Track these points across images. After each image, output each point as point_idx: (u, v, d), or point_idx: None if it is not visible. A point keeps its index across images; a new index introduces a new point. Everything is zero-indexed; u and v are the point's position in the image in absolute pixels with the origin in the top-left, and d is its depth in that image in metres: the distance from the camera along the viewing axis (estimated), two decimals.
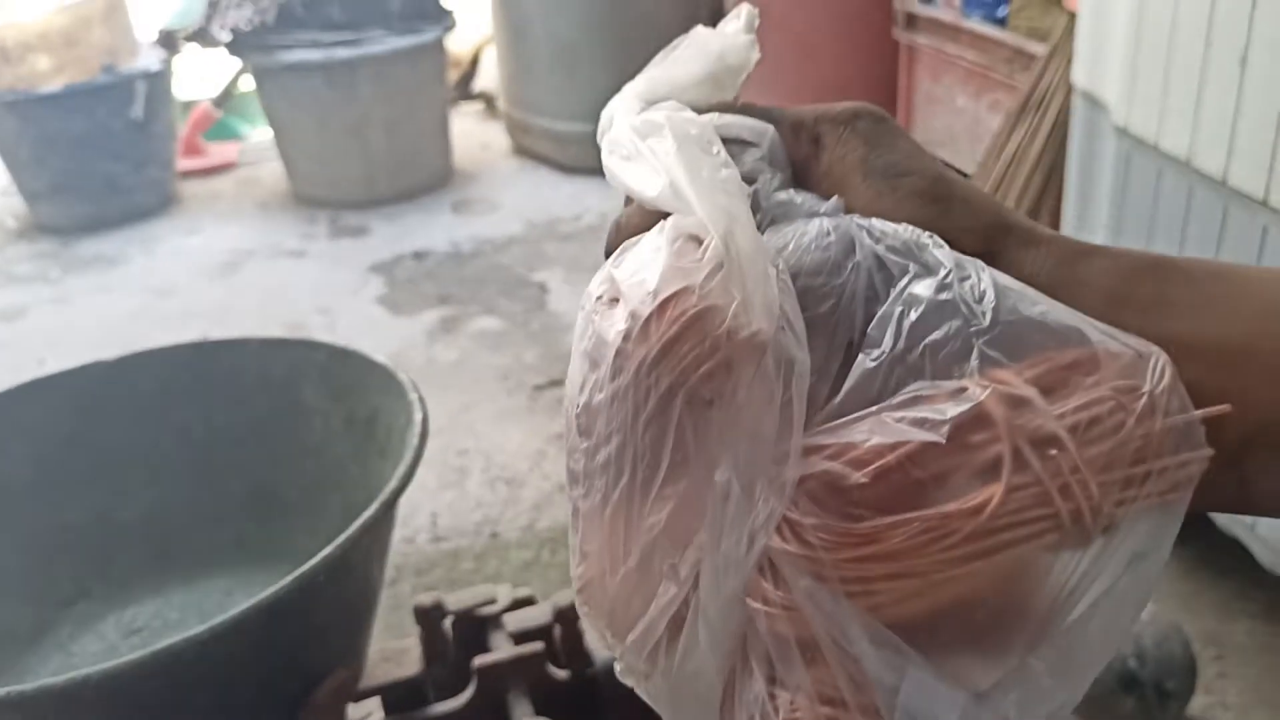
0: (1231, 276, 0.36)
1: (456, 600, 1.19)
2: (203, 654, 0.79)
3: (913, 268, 0.33)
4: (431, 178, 3.53)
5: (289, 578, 0.81)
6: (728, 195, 0.34)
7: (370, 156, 3.37)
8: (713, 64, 0.40)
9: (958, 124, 2.70)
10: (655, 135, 0.37)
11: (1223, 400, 0.33)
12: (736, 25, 0.42)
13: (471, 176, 3.64)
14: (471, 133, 3.97)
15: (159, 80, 3.43)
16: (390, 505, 0.93)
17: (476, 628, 1.25)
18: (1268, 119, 1.30)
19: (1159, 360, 0.32)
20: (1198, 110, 1.43)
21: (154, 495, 1.23)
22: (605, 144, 0.38)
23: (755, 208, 0.36)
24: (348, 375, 1.15)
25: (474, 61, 4.23)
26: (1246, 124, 1.34)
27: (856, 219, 0.35)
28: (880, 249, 0.34)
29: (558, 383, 2.44)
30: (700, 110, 0.39)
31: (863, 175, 0.37)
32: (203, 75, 4.05)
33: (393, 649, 1.18)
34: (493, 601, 1.20)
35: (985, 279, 0.32)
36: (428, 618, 1.16)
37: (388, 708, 1.23)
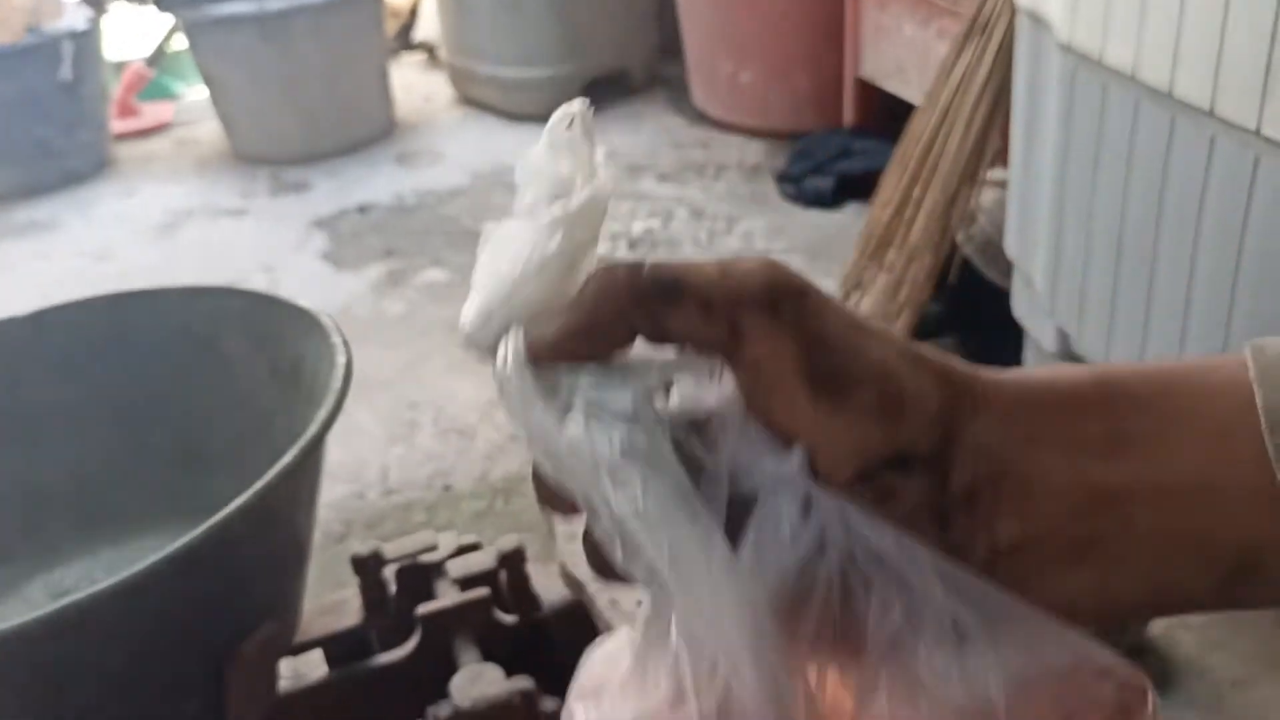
0: (1179, 390, 0.35)
1: (396, 548, 1.16)
2: (112, 609, 0.75)
3: (895, 592, 0.32)
4: (373, 130, 3.45)
5: (202, 528, 0.77)
6: (709, 571, 0.31)
7: (309, 111, 3.29)
8: (564, 241, 0.34)
9: (906, 54, 2.66)
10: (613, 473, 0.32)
11: (1201, 537, 0.33)
12: (570, 136, 0.35)
13: (414, 128, 3.56)
14: (413, 84, 3.88)
15: (87, 40, 3.31)
16: (311, 451, 0.89)
17: (420, 576, 1.21)
18: (1210, 28, 1.27)
19: (1148, 703, 0.32)
20: (1141, 22, 1.39)
21: (76, 453, 1.18)
22: (516, 416, 0.33)
23: (714, 475, 0.33)
24: (270, 322, 1.10)
25: (413, 11, 4.13)
26: (1190, 34, 1.31)
27: (823, 498, 0.32)
28: (858, 551, 0.32)
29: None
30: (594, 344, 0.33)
31: (807, 390, 0.33)
32: (133, 34, 3.93)
33: (331, 601, 1.15)
34: (433, 548, 1.17)
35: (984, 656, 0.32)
36: (366, 567, 1.12)
37: (330, 660, 1.20)
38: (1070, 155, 1.61)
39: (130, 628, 0.79)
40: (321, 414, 0.91)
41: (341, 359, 0.98)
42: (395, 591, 1.21)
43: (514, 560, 1.18)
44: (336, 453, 2.05)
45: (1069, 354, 1.78)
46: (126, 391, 1.18)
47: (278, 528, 0.92)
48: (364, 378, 2.27)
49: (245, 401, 1.14)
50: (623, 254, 2.69)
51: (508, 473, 1.94)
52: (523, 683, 1.09)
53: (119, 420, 1.19)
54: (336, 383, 0.95)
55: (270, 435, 1.10)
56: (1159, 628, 1.50)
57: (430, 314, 2.50)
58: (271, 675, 0.95)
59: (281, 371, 1.11)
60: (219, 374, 1.15)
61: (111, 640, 0.78)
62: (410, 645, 1.16)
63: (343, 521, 1.84)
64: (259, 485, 0.83)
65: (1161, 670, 1.45)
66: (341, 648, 1.18)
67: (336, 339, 1.01)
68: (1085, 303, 1.65)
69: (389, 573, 1.19)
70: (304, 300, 1.11)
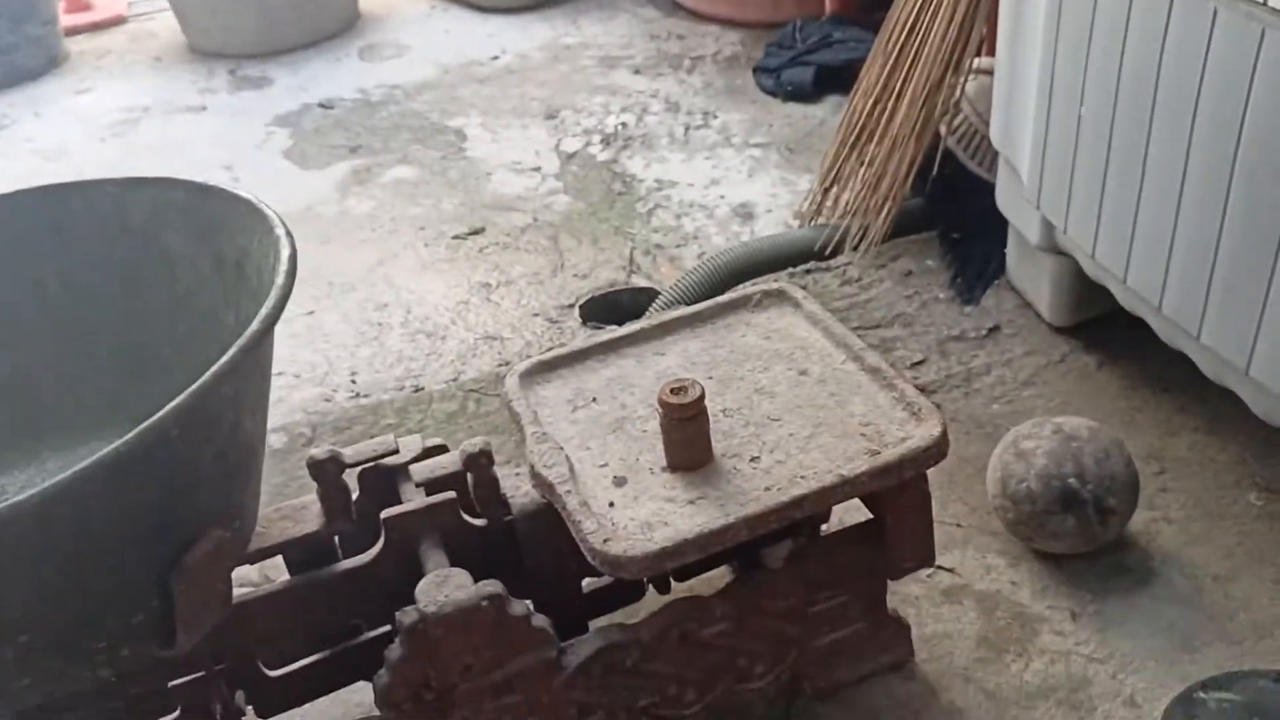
0: None
1: (355, 452, 1.11)
2: (40, 520, 0.70)
3: None
4: (336, 23, 3.31)
5: (131, 434, 0.72)
6: None
7: (268, 2, 3.15)
8: None
9: None
10: None
11: None
12: None
13: (379, 20, 3.43)
14: None
15: None
16: (252, 350, 0.83)
17: (384, 480, 1.17)
18: None
19: None
20: None
21: (15, 358, 1.12)
22: None
23: None
24: (211, 214, 1.04)
25: None
26: None
27: None
28: None
29: (478, 232, 2.32)
30: None
31: None
32: None
33: (290, 507, 1.10)
34: (394, 452, 1.12)
35: None
36: (324, 471, 1.07)
37: (292, 567, 1.16)
38: (1061, 34, 1.53)
39: (60, 538, 0.74)
40: (263, 311, 0.85)
41: (286, 251, 0.92)
42: (359, 496, 1.17)
43: (480, 462, 1.13)
44: (304, 355, 1.99)
45: (1053, 246, 1.73)
46: (65, 291, 1.12)
47: (221, 431, 0.86)
48: (331, 279, 2.21)
49: (189, 299, 1.08)
50: (595, 150, 2.60)
51: (479, 374, 1.89)
52: (491, 586, 1.06)
53: (58, 322, 1.12)
54: (280, 278, 0.89)
55: (218, 334, 1.04)
56: (1139, 523, 1.47)
57: (398, 212, 2.42)
58: (223, 585, 0.91)
59: (226, 267, 1.05)
60: (161, 271, 1.09)
61: (41, 551, 0.74)
62: (375, 550, 1.12)
63: (310, 425, 1.79)
64: (194, 388, 0.77)
65: (1143, 564, 1.43)
66: (304, 554, 1.14)
67: (280, 230, 0.95)
68: (1072, 192, 1.59)
69: (352, 477, 1.15)
70: (266, 200, 1.04)
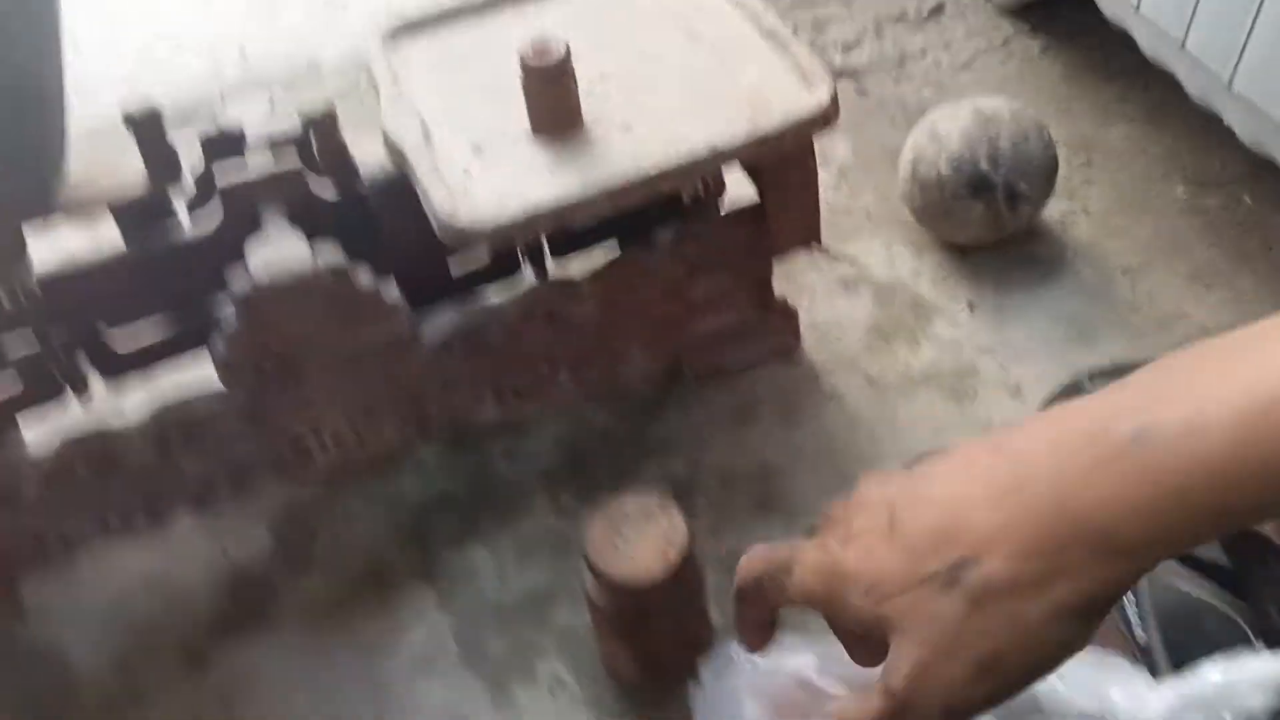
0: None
1: (179, 112, 1.01)
2: None
3: None
4: None
5: None
6: None
7: None
8: None
9: None
10: None
11: None
12: None
13: None
14: None
15: None
16: None
17: (229, 146, 1.08)
18: None
19: None
20: None
21: None
22: None
23: None
24: None
25: None
26: None
27: None
28: None
29: None
30: None
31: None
32: None
33: (112, 165, 1.01)
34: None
35: None
36: (143, 129, 0.98)
37: (131, 237, 1.09)
38: None
39: None
40: None
41: None
42: (205, 166, 1.07)
43: (325, 127, 1.04)
44: (190, 25, 1.84)
45: None
46: None
47: None
48: None
49: None
50: None
51: None
52: (331, 256, 0.99)
53: None
54: None
55: None
56: (1055, 213, 1.41)
57: None
58: (13, 230, 0.84)
59: None
60: None
61: None
62: (215, 220, 1.05)
63: (194, 101, 1.68)
64: None
65: (1053, 256, 1.37)
66: (139, 220, 1.06)
67: None
68: None
69: (187, 140, 1.06)
70: None
